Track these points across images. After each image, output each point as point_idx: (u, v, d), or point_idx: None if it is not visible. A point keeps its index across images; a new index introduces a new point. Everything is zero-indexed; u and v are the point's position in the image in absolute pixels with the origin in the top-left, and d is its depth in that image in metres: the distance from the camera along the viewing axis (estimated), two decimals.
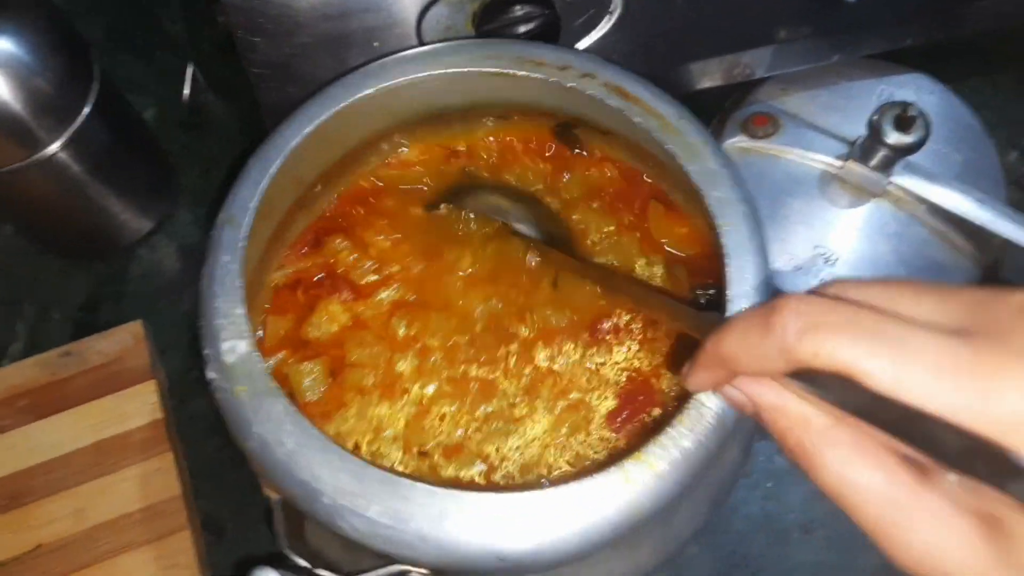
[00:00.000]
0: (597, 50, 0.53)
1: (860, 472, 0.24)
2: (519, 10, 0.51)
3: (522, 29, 0.51)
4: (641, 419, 0.43)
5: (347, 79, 0.46)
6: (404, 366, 0.44)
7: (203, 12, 0.65)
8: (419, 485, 0.34)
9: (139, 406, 0.57)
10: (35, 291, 0.62)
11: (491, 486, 0.41)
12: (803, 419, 0.26)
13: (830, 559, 0.54)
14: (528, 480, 0.41)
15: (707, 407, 0.36)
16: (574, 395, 0.43)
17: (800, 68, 0.60)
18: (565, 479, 0.35)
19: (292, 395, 0.43)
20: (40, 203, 0.57)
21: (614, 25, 0.52)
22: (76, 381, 0.58)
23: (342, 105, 0.45)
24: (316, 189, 0.48)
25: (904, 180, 0.55)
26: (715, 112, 0.63)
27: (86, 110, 0.52)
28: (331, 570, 0.39)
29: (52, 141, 0.51)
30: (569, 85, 0.44)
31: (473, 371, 0.44)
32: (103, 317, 0.62)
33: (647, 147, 0.45)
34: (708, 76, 0.60)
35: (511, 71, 0.45)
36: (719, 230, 0.40)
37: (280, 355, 0.45)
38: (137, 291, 0.63)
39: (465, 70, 0.45)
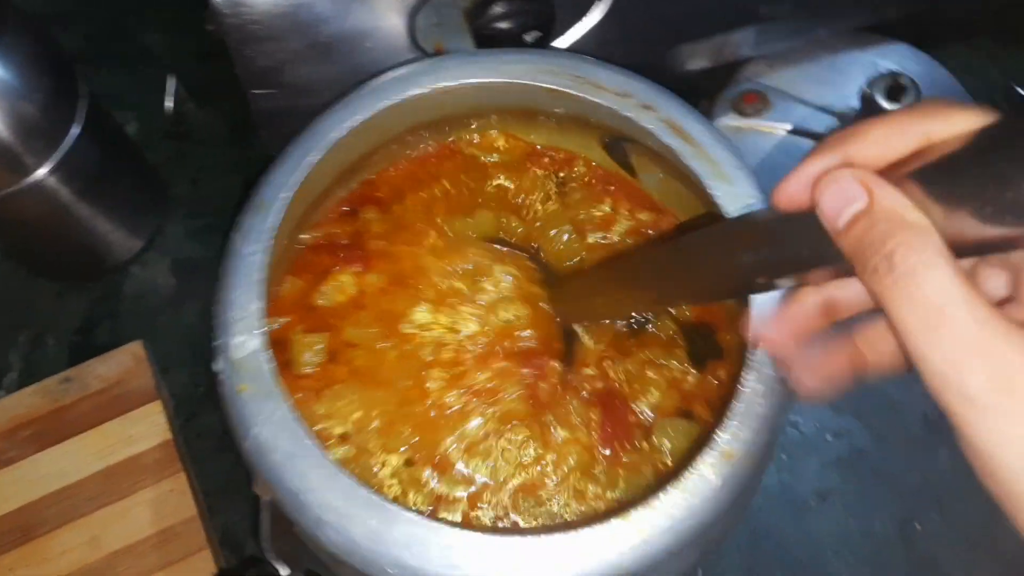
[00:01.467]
0: (588, 39, 0.53)
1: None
2: (512, 4, 0.51)
3: (516, 23, 0.51)
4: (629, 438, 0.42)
5: (398, 72, 0.45)
6: (395, 356, 0.43)
7: (184, 21, 0.63)
8: (405, 513, 0.34)
9: (146, 428, 0.56)
10: (27, 317, 0.61)
11: (471, 524, 0.40)
12: (918, 227, 0.23)
13: (850, 526, 0.55)
14: (515, 505, 0.41)
15: (709, 477, 0.35)
16: (561, 432, 0.42)
17: (786, 44, 0.60)
18: (546, 528, 0.34)
19: (288, 364, 0.42)
20: (29, 227, 0.55)
21: (607, 14, 0.52)
22: (79, 407, 0.56)
23: (393, 100, 0.43)
24: (354, 169, 0.47)
25: None
26: (704, 93, 0.64)
27: (74, 131, 0.50)
28: None
29: (41, 165, 0.49)
30: (627, 115, 0.43)
31: (468, 378, 0.43)
32: (100, 339, 0.60)
33: (694, 182, 0.44)
34: (697, 58, 0.60)
35: (569, 90, 0.44)
36: None
37: (287, 319, 0.44)
38: (133, 310, 0.61)
39: (523, 82, 0.44)
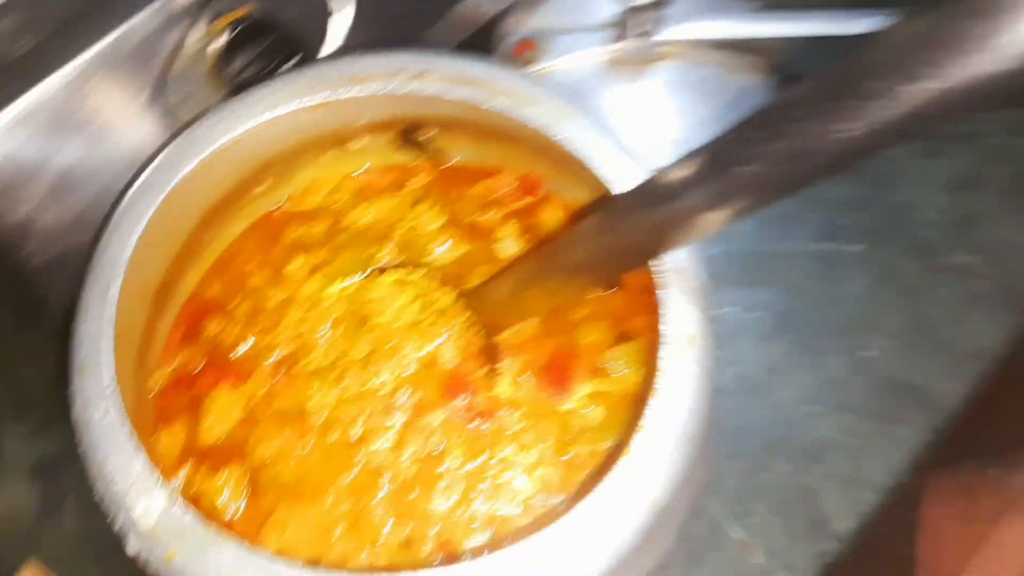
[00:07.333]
0: (347, 44, 0.51)
1: None
2: (254, 46, 0.47)
3: (266, 61, 0.47)
4: None
5: (163, 156, 0.40)
6: (319, 455, 0.39)
7: None
8: None
9: None
10: None
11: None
12: None
13: (808, 381, 0.54)
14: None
15: (683, 366, 0.34)
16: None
17: None
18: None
19: (211, 516, 0.37)
20: None
21: (356, 15, 0.50)
22: None
23: (174, 181, 0.39)
24: (169, 284, 0.42)
25: (670, 33, 0.57)
26: None
27: None
28: None
29: None
30: (404, 92, 0.41)
31: (409, 442, 0.40)
32: None
33: (506, 130, 0.42)
34: (457, 29, 0.59)
35: (337, 96, 0.41)
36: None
37: (185, 471, 0.39)
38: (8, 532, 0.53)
39: (290, 110, 0.41)
